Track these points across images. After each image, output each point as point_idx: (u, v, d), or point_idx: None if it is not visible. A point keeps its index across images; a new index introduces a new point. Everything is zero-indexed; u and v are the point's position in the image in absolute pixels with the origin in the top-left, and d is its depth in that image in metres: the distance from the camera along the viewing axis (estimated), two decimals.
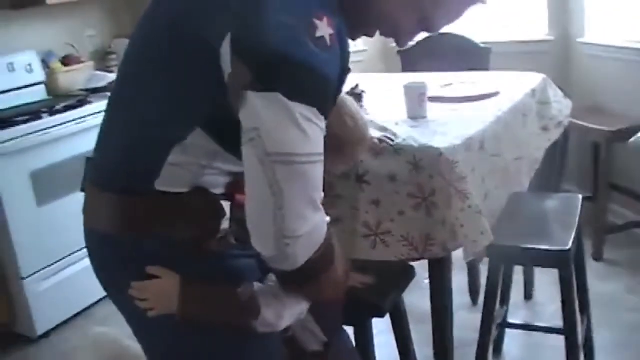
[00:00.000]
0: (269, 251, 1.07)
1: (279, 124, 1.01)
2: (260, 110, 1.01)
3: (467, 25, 3.25)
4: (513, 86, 2.39)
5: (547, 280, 2.71)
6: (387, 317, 1.84)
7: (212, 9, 1.06)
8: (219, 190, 1.18)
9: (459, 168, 1.73)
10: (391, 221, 1.76)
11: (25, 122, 2.82)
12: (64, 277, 2.91)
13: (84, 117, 2.99)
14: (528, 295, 2.81)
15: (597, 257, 3.08)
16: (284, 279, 1.16)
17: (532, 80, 2.47)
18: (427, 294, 1.91)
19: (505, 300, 2.37)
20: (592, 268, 2.80)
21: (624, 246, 3.18)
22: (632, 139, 2.76)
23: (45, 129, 2.85)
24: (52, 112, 2.96)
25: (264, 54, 1.00)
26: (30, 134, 2.79)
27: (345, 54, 1.10)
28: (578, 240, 2.01)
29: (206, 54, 1.05)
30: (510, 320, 2.42)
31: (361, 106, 2.07)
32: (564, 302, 1.92)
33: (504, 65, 2.86)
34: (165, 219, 1.14)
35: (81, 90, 3.33)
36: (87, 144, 1.28)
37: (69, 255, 2.91)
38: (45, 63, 3.39)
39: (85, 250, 1.27)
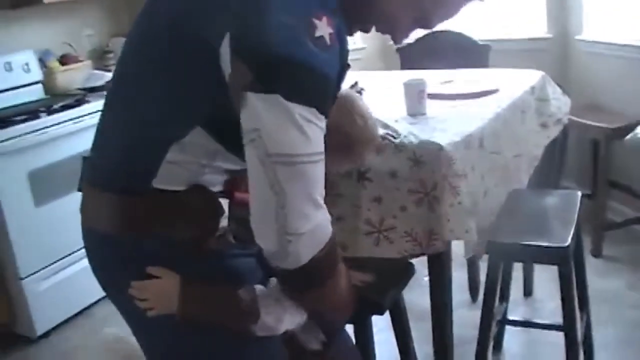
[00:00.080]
0: (271, 246, 1.07)
1: (279, 125, 1.02)
2: (261, 112, 1.01)
3: (466, 23, 3.26)
4: (512, 83, 2.39)
5: (546, 277, 2.71)
6: (387, 314, 1.84)
7: (211, 9, 1.06)
8: (217, 188, 1.18)
9: (457, 165, 1.73)
10: (394, 217, 1.76)
11: (22, 121, 2.81)
12: (63, 277, 2.91)
13: (81, 116, 2.99)
14: (527, 291, 2.81)
15: (596, 254, 3.09)
16: (287, 282, 1.16)
17: (531, 77, 2.47)
18: (426, 292, 1.91)
19: (504, 297, 2.37)
20: (592, 265, 2.79)
21: (623, 243, 3.18)
22: (628, 137, 2.76)
23: (43, 129, 2.84)
24: (50, 112, 2.95)
25: (264, 54, 1.00)
26: (28, 133, 2.78)
27: (344, 52, 1.10)
28: (577, 237, 2.01)
29: (206, 53, 1.05)
30: (510, 317, 2.42)
31: None
32: (563, 299, 1.91)
33: (502, 63, 2.86)
34: (165, 218, 1.14)
35: (79, 89, 3.32)
36: (85, 143, 1.28)
37: (68, 255, 2.91)
38: (42, 62, 3.38)
39: (84, 249, 1.27)
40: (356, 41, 4.06)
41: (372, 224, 1.77)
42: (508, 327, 2.47)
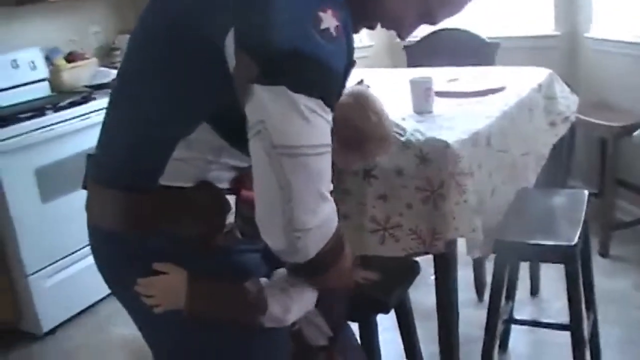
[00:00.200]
0: (280, 245, 1.06)
1: (285, 116, 1.01)
2: (267, 104, 1.01)
3: (473, 20, 3.25)
4: (519, 81, 2.38)
5: (553, 276, 2.70)
6: (393, 313, 1.83)
7: (212, 7, 1.05)
8: (223, 185, 1.18)
9: (463, 163, 1.72)
10: (400, 215, 1.76)
11: (29, 118, 2.82)
12: (69, 274, 2.91)
13: (88, 113, 2.99)
14: (534, 291, 2.80)
15: (604, 254, 3.07)
16: (295, 273, 1.17)
17: (539, 75, 2.46)
18: (432, 290, 1.90)
19: (511, 296, 2.36)
20: (599, 264, 2.78)
21: (630, 242, 3.16)
22: (637, 132, 2.74)
23: (49, 126, 2.85)
24: (56, 109, 2.95)
25: (270, 47, 0.99)
26: (34, 130, 2.79)
27: (350, 46, 1.09)
28: (584, 236, 2.00)
29: (209, 48, 1.04)
30: (516, 316, 2.41)
31: None
32: (570, 298, 1.90)
33: (510, 61, 2.85)
34: (171, 215, 1.14)
35: (85, 86, 3.33)
36: (92, 140, 1.28)
37: (74, 252, 2.91)
38: (49, 60, 3.39)
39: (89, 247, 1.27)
40: (362, 39, 4.06)
41: (377, 221, 1.76)
42: (514, 327, 2.45)
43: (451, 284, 1.88)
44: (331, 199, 1.09)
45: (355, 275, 1.29)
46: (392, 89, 2.38)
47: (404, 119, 1.93)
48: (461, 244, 1.84)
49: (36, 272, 2.82)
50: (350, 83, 1.28)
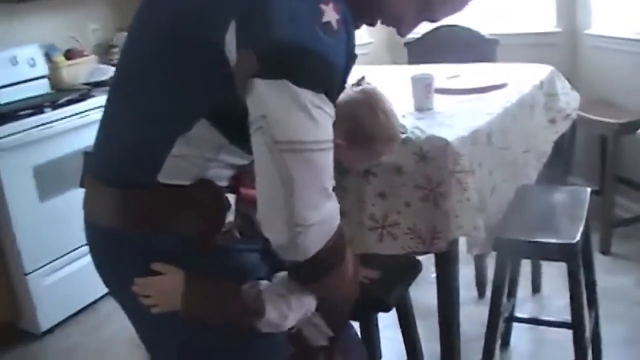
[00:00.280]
0: (280, 241, 1.05)
1: (287, 111, 1.00)
2: (268, 98, 1.00)
3: (474, 17, 3.23)
4: (520, 78, 2.36)
5: (554, 274, 2.69)
6: (394, 311, 1.82)
7: (213, 2, 1.05)
8: (223, 183, 1.17)
9: (464, 160, 1.71)
10: (398, 213, 1.75)
11: (27, 116, 2.80)
12: (67, 273, 2.90)
13: (87, 110, 2.97)
14: (535, 288, 2.79)
15: (605, 251, 3.06)
16: (295, 274, 1.15)
17: (540, 72, 2.44)
18: (433, 288, 1.89)
19: (512, 294, 2.35)
20: (600, 262, 2.77)
21: (631, 239, 3.15)
22: None
23: (48, 123, 2.83)
24: (55, 106, 2.94)
25: (271, 40, 0.98)
26: (33, 128, 2.78)
27: (351, 40, 1.08)
28: (586, 234, 1.98)
29: (210, 46, 1.03)
30: (518, 314, 2.40)
31: None
32: (571, 296, 1.89)
33: (510, 58, 2.84)
34: (170, 212, 1.12)
35: (84, 84, 3.31)
36: (91, 138, 1.27)
37: (73, 251, 2.90)
38: (48, 57, 3.37)
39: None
40: (363, 35, 4.04)
41: (375, 219, 1.75)
42: (516, 324, 2.45)
43: (452, 282, 1.87)
44: (334, 196, 1.08)
45: (357, 285, 1.27)
46: (392, 85, 2.36)
47: (404, 116, 1.92)
48: (462, 242, 1.83)
49: (34, 270, 2.81)
50: (351, 79, 1.27)
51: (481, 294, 2.79)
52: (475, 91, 2.22)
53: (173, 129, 1.10)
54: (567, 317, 1.96)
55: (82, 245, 2.83)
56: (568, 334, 1.94)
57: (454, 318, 1.92)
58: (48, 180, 2.81)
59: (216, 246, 1.14)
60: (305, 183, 1.02)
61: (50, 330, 2.90)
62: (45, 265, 2.85)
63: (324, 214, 1.05)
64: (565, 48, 3.62)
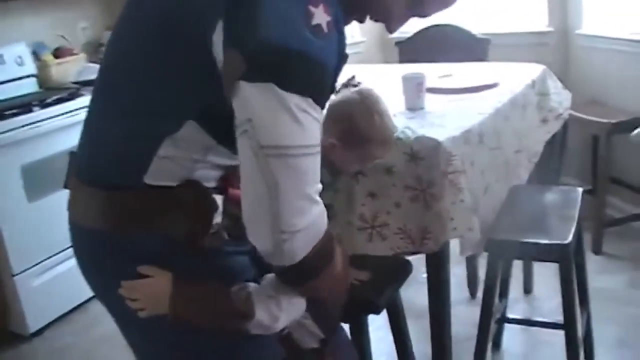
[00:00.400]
0: (266, 247, 1.04)
1: (273, 115, 0.98)
2: (254, 102, 0.98)
3: (466, 16, 3.23)
4: (512, 77, 2.36)
5: (546, 274, 2.68)
6: (384, 312, 1.81)
7: (200, 1, 1.02)
8: (210, 184, 1.15)
9: (457, 161, 1.70)
10: (387, 213, 1.73)
11: (15, 115, 2.77)
12: (56, 274, 2.87)
13: (76, 110, 2.94)
14: (527, 289, 2.78)
15: (597, 251, 3.06)
16: (283, 277, 1.13)
17: (532, 71, 2.44)
18: (424, 288, 1.88)
19: (504, 295, 2.34)
20: (592, 262, 2.77)
21: (623, 240, 3.15)
22: (634, 133, 2.72)
23: (36, 122, 2.80)
24: (43, 105, 2.90)
25: (258, 42, 0.96)
26: (21, 127, 2.74)
27: (342, 41, 1.06)
28: (578, 234, 1.98)
29: (197, 46, 1.01)
30: (510, 315, 2.39)
31: None
32: (563, 297, 1.89)
33: (502, 57, 2.83)
34: (156, 214, 1.10)
35: (73, 82, 3.27)
36: (79, 137, 1.25)
37: (62, 251, 2.86)
38: (36, 55, 3.34)
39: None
40: (355, 34, 4.03)
41: (365, 219, 1.74)
42: (507, 325, 2.44)
43: (443, 283, 1.86)
44: (320, 201, 1.06)
45: (348, 284, 1.26)
46: (383, 85, 2.35)
47: (394, 116, 1.90)
48: (453, 242, 1.82)
49: (23, 271, 2.78)
50: (342, 79, 1.25)
51: (473, 294, 2.78)
52: (467, 91, 2.21)
53: (160, 129, 1.08)
54: (559, 317, 1.96)
55: (70, 246, 2.79)
56: (560, 334, 1.93)
57: (445, 319, 1.91)
58: (36, 180, 2.78)
59: (204, 248, 1.12)
60: (291, 188, 1.01)
61: (40, 332, 2.87)
62: (33, 266, 2.82)
63: (310, 220, 1.04)
64: (557, 47, 3.61)
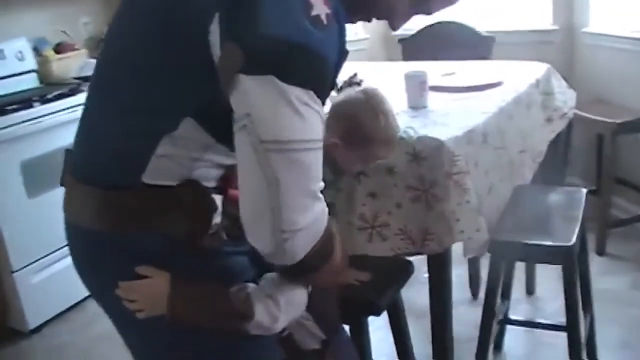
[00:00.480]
0: (266, 247, 1.01)
1: (273, 109, 0.96)
2: (253, 95, 0.95)
3: (470, 14, 3.20)
4: (517, 76, 2.33)
5: (549, 275, 2.66)
6: (385, 312, 1.79)
7: None
8: (210, 184, 1.12)
9: (460, 161, 1.67)
10: (388, 214, 1.71)
11: (15, 110, 2.75)
12: (56, 270, 2.85)
13: (77, 105, 2.92)
14: (530, 290, 2.75)
15: (600, 252, 3.03)
16: (283, 274, 1.12)
17: (537, 70, 2.41)
18: (426, 288, 1.87)
19: (506, 296, 2.32)
20: (595, 263, 2.74)
21: (627, 240, 3.12)
22: None
23: (36, 118, 2.79)
24: (44, 101, 2.89)
25: (257, 34, 0.94)
26: (21, 122, 2.73)
27: (342, 35, 1.04)
28: (582, 236, 1.96)
29: (193, 37, 0.99)
30: (512, 315, 2.37)
31: None
32: (566, 299, 1.87)
33: (506, 55, 2.81)
34: (155, 213, 1.08)
35: (75, 78, 3.26)
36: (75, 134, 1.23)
37: (62, 248, 2.84)
38: (37, 50, 3.33)
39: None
40: (358, 31, 4.00)
41: (365, 219, 1.72)
42: (509, 327, 2.41)
43: (445, 284, 1.84)
44: (322, 198, 1.04)
45: (346, 275, 1.25)
46: (386, 82, 2.33)
47: (397, 114, 1.88)
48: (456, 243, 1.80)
49: (22, 268, 2.77)
50: (343, 76, 1.23)
51: (475, 294, 2.76)
52: (471, 89, 2.19)
53: (157, 127, 1.05)
54: (561, 319, 1.93)
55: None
56: (562, 336, 1.92)
57: (447, 320, 1.89)
58: (36, 176, 2.76)
59: (203, 248, 1.10)
60: (292, 185, 0.98)
61: (39, 329, 2.86)
62: (33, 262, 2.80)
63: (312, 217, 1.01)
64: (561, 46, 3.58)
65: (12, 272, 2.74)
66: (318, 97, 0.99)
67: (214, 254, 1.12)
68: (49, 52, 3.35)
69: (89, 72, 3.23)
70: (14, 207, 2.71)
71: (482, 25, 3.21)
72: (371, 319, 1.76)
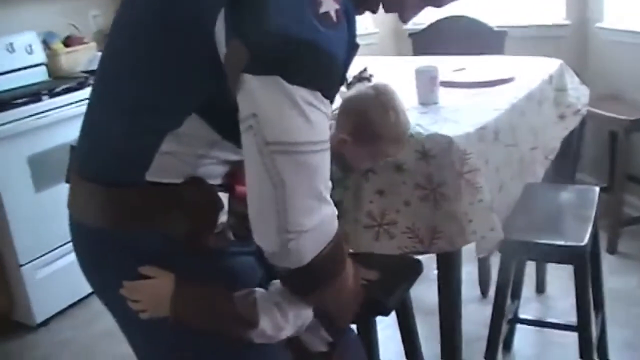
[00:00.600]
0: (271, 247, 1.00)
1: (279, 110, 0.94)
2: (259, 96, 0.93)
3: (482, 8, 3.16)
4: (529, 72, 2.30)
5: (559, 274, 2.63)
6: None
7: None
8: (216, 181, 1.10)
9: (472, 159, 1.64)
10: (397, 212, 1.69)
11: (24, 104, 2.75)
12: (63, 265, 2.84)
13: (85, 99, 2.88)
14: (540, 289, 2.72)
15: (612, 250, 2.99)
16: (289, 282, 1.08)
17: (549, 65, 2.38)
18: (435, 286, 1.85)
19: (516, 295, 2.29)
20: (606, 262, 2.70)
21: (639, 239, 3.07)
22: None
23: (44, 112, 2.78)
24: (52, 94, 2.88)
25: (263, 31, 0.92)
26: (29, 116, 2.72)
27: (352, 31, 1.02)
28: (594, 235, 1.92)
29: (198, 33, 0.97)
30: (521, 314, 2.34)
31: None
32: (578, 299, 1.84)
33: (518, 50, 2.78)
34: (159, 212, 1.06)
35: (83, 71, 3.25)
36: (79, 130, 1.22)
37: (67, 243, 2.82)
38: (46, 44, 3.32)
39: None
40: (368, 25, 3.97)
41: (373, 217, 1.70)
42: (519, 326, 2.39)
43: (454, 282, 1.82)
44: (330, 201, 1.02)
45: (358, 302, 1.21)
46: (396, 78, 2.30)
47: (407, 110, 1.85)
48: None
49: (29, 262, 2.76)
50: (353, 71, 1.21)
51: (484, 293, 2.73)
52: (482, 85, 2.16)
53: (162, 124, 1.04)
54: (572, 318, 1.91)
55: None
56: (573, 336, 1.90)
57: (456, 318, 1.87)
58: (44, 170, 2.76)
59: (208, 248, 1.08)
60: (298, 187, 0.96)
61: (45, 323, 2.86)
62: (40, 256, 2.80)
63: (319, 220, 0.99)
64: (574, 41, 3.54)
65: (20, 265, 2.74)
66: (326, 95, 0.98)
67: (218, 254, 1.10)
68: (58, 46, 3.34)
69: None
70: (21, 201, 2.71)
71: (493, 19, 3.18)
72: (379, 318, 1.73)
